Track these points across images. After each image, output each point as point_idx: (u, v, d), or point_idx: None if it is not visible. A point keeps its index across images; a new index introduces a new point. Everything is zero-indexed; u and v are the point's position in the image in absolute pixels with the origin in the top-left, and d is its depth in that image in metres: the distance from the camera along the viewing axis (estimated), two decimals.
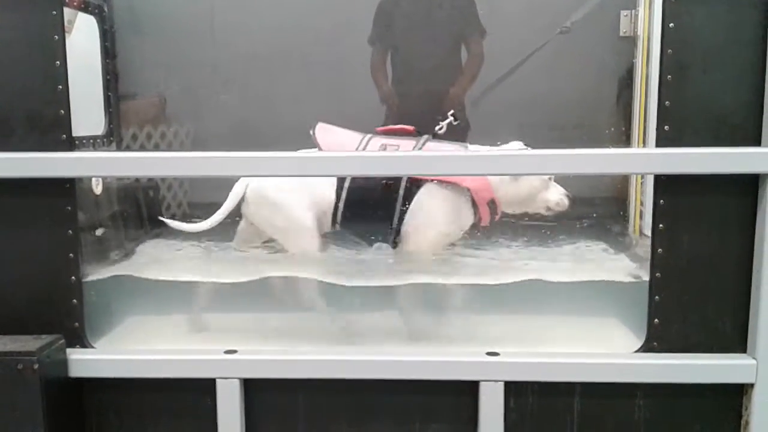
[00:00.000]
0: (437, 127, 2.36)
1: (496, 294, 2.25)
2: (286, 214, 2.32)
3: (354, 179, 2.28)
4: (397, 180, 2.27)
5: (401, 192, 2.27)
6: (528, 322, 2.33)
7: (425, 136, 2.30)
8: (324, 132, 2.30)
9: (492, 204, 2.30)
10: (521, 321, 2.33)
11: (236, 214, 2.40)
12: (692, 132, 1.86)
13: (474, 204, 2.30)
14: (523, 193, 2.29)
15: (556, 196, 2.30)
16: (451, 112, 2.39)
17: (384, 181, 2.29)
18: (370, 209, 2.32)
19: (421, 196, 2.29)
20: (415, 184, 2.28)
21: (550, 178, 2.30)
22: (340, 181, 2.29)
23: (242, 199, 2.35)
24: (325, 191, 2.31)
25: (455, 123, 2.37)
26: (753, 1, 1.82)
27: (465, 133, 2.59)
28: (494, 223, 2.36)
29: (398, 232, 2.30)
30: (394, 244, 2.33)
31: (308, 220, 2.31)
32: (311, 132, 2.29)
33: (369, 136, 2.28)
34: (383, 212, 2.30)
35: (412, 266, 2.32)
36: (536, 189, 2.29)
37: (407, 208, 2.28)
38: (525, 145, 2.22)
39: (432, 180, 2.28)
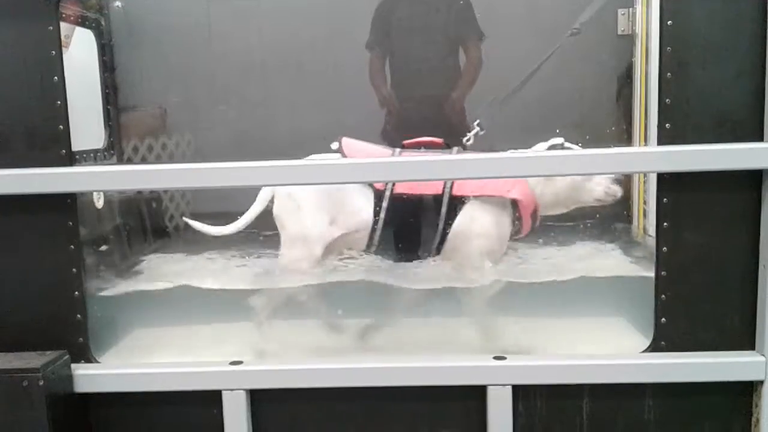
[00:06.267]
0: (465, 139, 2.29)
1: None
2: (301, 220, 2.25)
3: (393, 198, 2.20)
4: (438, 198, 2.20)
5: (444, 210, 2.20)
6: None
7: (455, 149, 2.23)
8: (351, 147, 2.23)
9: (534, 213, 2.25)
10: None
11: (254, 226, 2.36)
12: (694, 129, 1.85)
13: (516, 214, 2.24)
14: (562, 192, 2.23)
15: (602, 186, 2.19)
16: (477, 121, 2.33)
17: (425, 199, 2.22)
18: (411, 229, 2.25)
19: (468, 213, 2.22)
20: (458, 201, 2.21)
21: None
22: (378, 199, 2.22)
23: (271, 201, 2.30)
24: (362, 208, 2.23)
25: (482, 133, 2.30)
26: None
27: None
28: None
29: (439, 251, 2.25)
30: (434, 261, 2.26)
31: (318, 235, 2.23)
32: (336, 147, 2.22)
33: (398, 150, 2.23)
34: (424, 232, 2.24)
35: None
36: (577, 183, 2.20)
37: (449, 228, 2.22)
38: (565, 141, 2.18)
39: (476, 196, 2.21)
